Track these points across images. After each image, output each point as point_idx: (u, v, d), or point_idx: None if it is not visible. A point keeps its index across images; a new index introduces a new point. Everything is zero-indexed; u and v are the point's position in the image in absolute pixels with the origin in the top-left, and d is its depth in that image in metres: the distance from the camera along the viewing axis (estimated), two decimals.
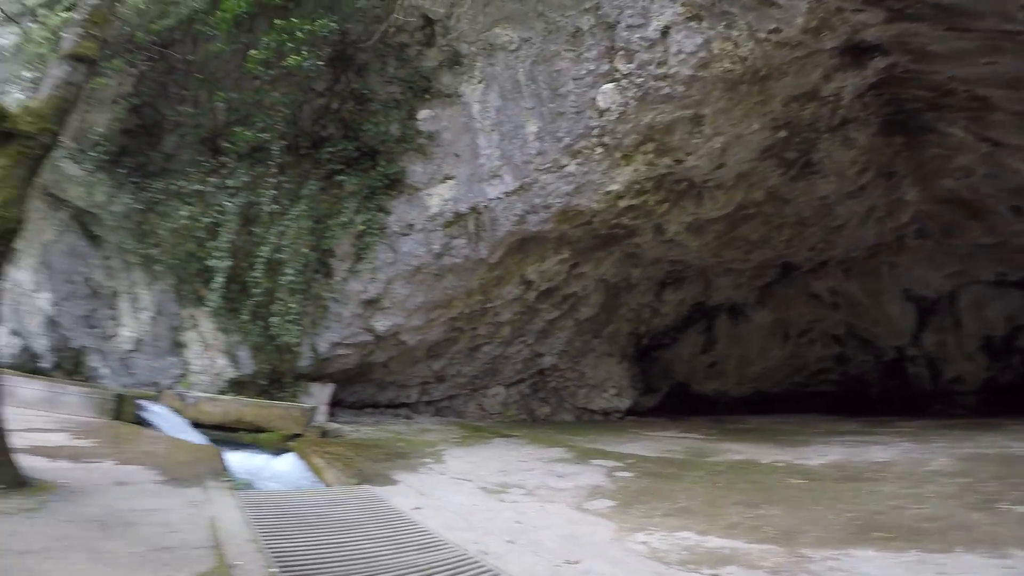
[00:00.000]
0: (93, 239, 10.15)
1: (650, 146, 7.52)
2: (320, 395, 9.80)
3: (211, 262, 8.64)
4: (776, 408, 14.09)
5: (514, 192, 8.20)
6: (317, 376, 9.74)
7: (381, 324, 9.26)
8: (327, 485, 6.11)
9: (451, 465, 7.13)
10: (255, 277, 8.57)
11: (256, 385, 9.40)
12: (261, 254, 8.59)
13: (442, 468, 6.98)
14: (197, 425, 7.92)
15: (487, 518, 4.75)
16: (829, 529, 4.23)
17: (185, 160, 9.07)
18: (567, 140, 7.56)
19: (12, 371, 9.42)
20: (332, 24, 7.68)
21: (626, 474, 6.64)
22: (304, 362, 9.38)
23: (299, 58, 7.45)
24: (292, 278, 8.55)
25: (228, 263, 8.53)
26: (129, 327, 10.43)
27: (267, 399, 8.87)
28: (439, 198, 8.63)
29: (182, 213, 8.86)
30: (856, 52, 7.03)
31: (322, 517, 4.28)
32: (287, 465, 6.96)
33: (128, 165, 9.04)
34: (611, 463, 7.22)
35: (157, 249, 9.29)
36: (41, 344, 10.97)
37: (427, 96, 8.58)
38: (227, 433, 8.02)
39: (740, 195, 9.13)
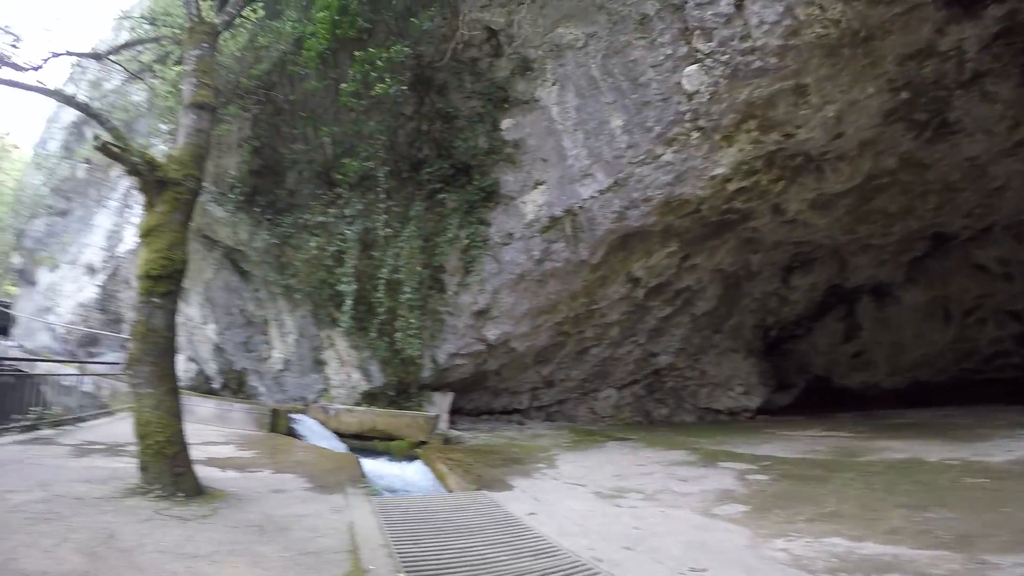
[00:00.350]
0: (243, 274, 11.67)
1: (752, 123, 6.94)
2: (442, 403, 10.34)
3: (340, 287, 9.47)
4: (939, 400, 12.13)
5: (608, 189, 8.01)
6: (438, 386, 10.28)
7: (492, 333, 9.54)
8: (449, 490, 6.41)
9: (564, 470, 7.12)
10: (378, 297, 9.25)
11: (386, 396, 10.17)
12: (381, 276, 9.24)
13: (555, 473, 6.99)
14: (338, 434, 8.76)
15: (603, 524, 4.67)
16: (1021, 533, 3.60)
17: (306, 194, 10.09)
18: (658, 129, 7.24)
19: (191, 392, 11.18)
20: (406, 49, 8.09)
21: (761, 477, 6.15)
22: (426, 373, 9.96)
23: (384, 85, 7.93)
24: (410, 295, 9.11)
25: (354, 287, 9.28)
26: (278, 349, 11.83)
27: (396, 409, 9.55)
28: (533, 204, 8.71)
29: (311, 244, 9.85)
30: (965, 2, 5.98)
31: (446, 522, 4.50)
32: (415, 471, 7.42)
33: (260, 204, 10.26)
34: (742, 466, 6.74)
35: (294, 279, 10.41)
36: (211, 368, 12.83)
37: (506, 105, 8.72)
38: (363, 441, 8.78)
39: (868, 165, 8.09)
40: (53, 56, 5.96)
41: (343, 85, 8.26)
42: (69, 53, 6.24)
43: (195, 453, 6.54)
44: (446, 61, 8.32)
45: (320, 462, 6.65)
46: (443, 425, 9.64)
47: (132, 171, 5.18)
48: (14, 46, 5.76)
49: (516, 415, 12.55)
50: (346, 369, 10.42)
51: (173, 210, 5.34)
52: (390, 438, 8.66)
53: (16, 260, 16.52)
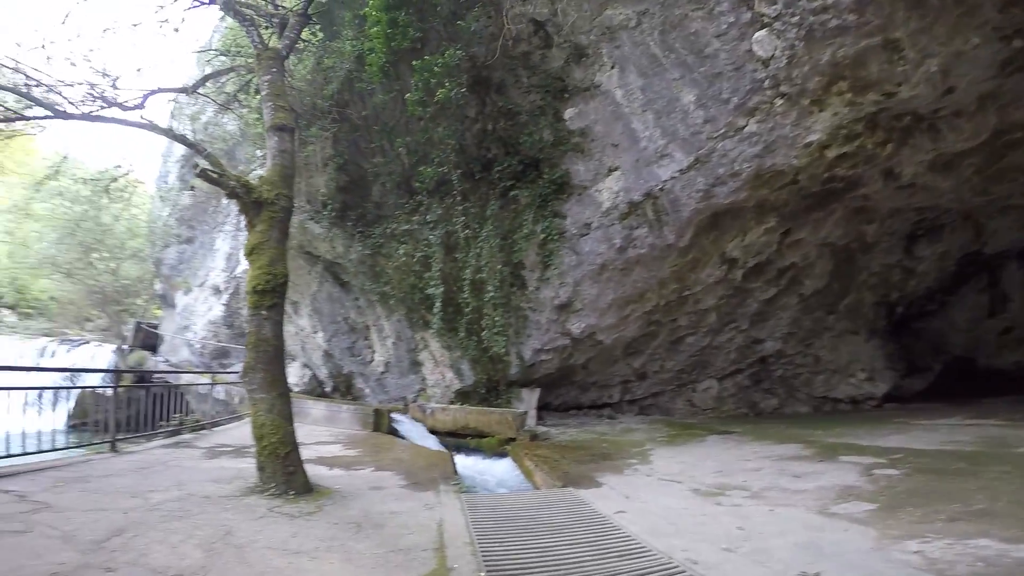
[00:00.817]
0: (343, 285, 12.50)
1: (843, 85, 6.20)
2: (529, 400, 10.38)
3: (429, 290, 9.83)
4: None
5: (690, 168, 7.55)
6: (525, 382, 10.33)
7: (576, 326, 9.41)
8: (536, 487, 6.39)
9: (659, 466, 6.83)
10: (464, 298, 9.48)
11: (477, 394, 10.40)
12: (465, 277, 9.46)
13: (648, 469, 6.72)
14: (434, 432, 9.10)
15: (699, 523, 4.39)
16: None
17: (391, 204, 10.56)
18: (735, 100, 6.71)
19: (306, 396, 12.19)
20: (459, 52, 8.16)
21: (890, 472, 5.48)
22: (513, 370, 10.05)
23: (445, 90, 8.08)
24: (493, 294, 9.24)
25: (441, 289, 9.59)
26: (379, 353, 12.55)
27: (486, 406, 9.74)
28: (608, 192, 8.44)
29: (399, 252, 10.32)
30: None
31: (531, 520, 4.48)
32: (503, 468, 7.51)
33: (352, 218, 10.90)
34: (867, 459, 6.06)
35: (388, 286, 10.96)
36: (323, 373, 13.89)
37: (566, 95, 8.52)
38: (456, 439, 9.05)
39: (992, 120, 6.93)
40: (149, 94, 6.73)
41: (408, 95, 8.55)
42: (161, 90, 6.99)
43: (307, 452, 7.13)
44: (497, 59, 8.30)
45: (416, 460, 6.93)
46: (531, 421, 9.67)
47: (231, 194, 5.70)
48: (115, 87, 6.56)
49: (606, 409, 12.29)
50: (440, 369, 10.80)
51: (270, 228, 5.81)
52: (481, 435, 8.84)
53: (158, 286, 18.97)
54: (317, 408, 9.87)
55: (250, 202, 5.75)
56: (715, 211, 8.05)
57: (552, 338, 9.63)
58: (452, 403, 10.27)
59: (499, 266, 9.20)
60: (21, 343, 18.47)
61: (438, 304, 9.58)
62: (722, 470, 6.38)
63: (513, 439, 8.51)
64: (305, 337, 13.96)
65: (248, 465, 5.76)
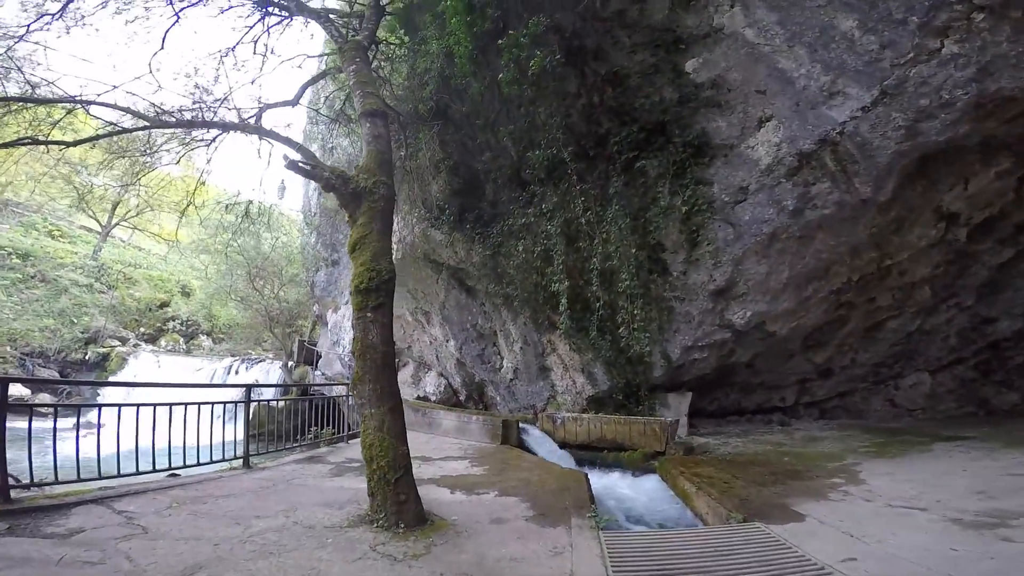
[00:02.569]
0: (469, 291, 12.04)
1: None
2: (678, 406, 8.83)
3: (553, 287, 8.86)
4: None
5: (877, 103, 5.73)
6: (672, 386, 8.81)
7: (739, 316, 7.72)
8: (700, 518, 4.98)
9: (878, 486, 5.07)
10: (593, 291, 8.34)
11: (613, 401, 9.12)
12: (592, 267, 8.32)
13: (865, 491, 4.99)
14: (565, 445, 8.03)
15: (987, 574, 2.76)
16: None
17: (505, 201, 9.77)
18: (914, 20, 5.19)
19: (439, 405, 11.89)
20: (543, 19, 7.09)
21: None
22: (657, 372, 8.61)
23: (538, 59, 7.09)
24: (628, 283, 7.96)
25: (566, 284, 8.53)
26: (507, 359, 11.85)
27: (624, 415, 8.42)
28: (767, 146, 6.74)
29: (519, 249, 9.48)
30: None
31: (702, 574, 3.19)
32: (652, 489, 6.17)
33: (469, 220, 10.32)
34: None
35: (511, 287, 10.22)
36: (456, 381, 13.59)
37: (682, 46, 7.08)
38: (591, 452, 7.88)
39: None
40: (263, 109, 6.67)
41: (501, 76, 7.72)
42: (270, 105, 6.94)
43: (432, 470, 6.53)
44: (588, 23, 7.15)
45: (546, 481, 5.90)
46: (682, 431, 8.15)
47: (327, 186, 5.24)
48: (235, 108, 6.59)
49: (776, 414, 10.20)
50: (570, 374, 9.71)
51: (371, 220, 5.24)
52: (620, 448, 7.59)
53: (315, 308, 20.55)
54: (448, 419, 9.37)
55: (348, 193, 5.24)
56: (924, 153, 6.05)
57: (707, 332, 8.05)
58: (584, 412, 9.11)
59: (632, 250, 7.89)
60: (214, 364, 21.14)
61: (564, 301, 8.53)
62: (984, 490, 4.63)
63: (661, 453, 7.14)
64: (438, 346, 13.81)
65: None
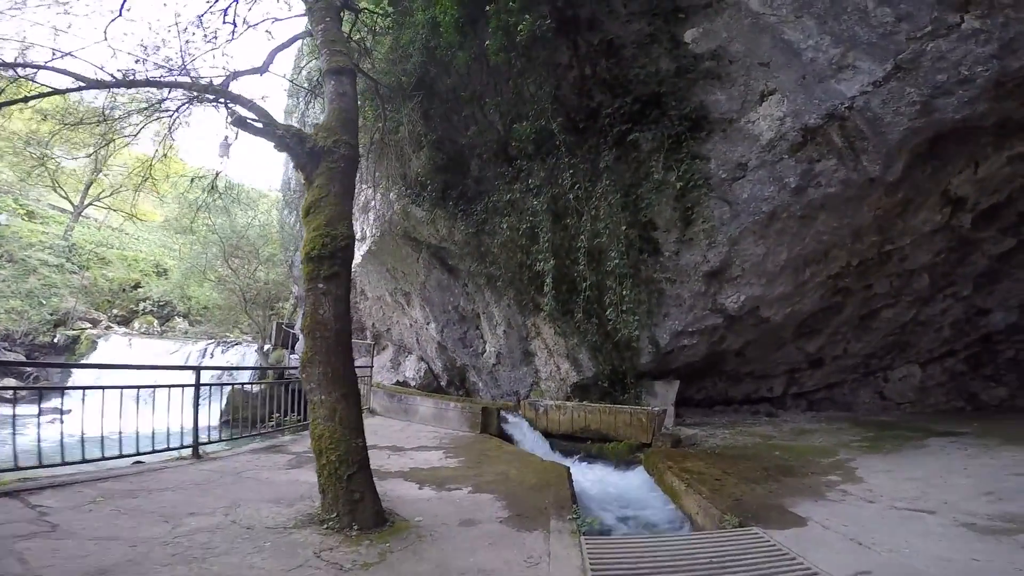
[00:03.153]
0: (451, 270, 11.44)
1: None
2: (665, 395, 8.37)
3: (538, 266, 8.28)
4: None
5: (890, 77, 5.27)
6: (660, 373, 8.33)
7: (732, 300, 7.24)
8: (691, 519, 4.50)
9: (878, 484, 4.68)
10: (580, 271, 7.78)
11: (599, 388, 8.62)
12: (580, 246, 7.74)
13: (864, 491, 4.59)
14: (547, 434, 7.53)
15: None
16: None
17: (490, 177, 9.16)
18: None
19: (416, 391, 11.33)
20: None
21: None
22: (644, 359, 8.11)
23: (527, 23, 6.52)
24: (616, 262, 7.40)
25: (552, 263, 7.94)
26: (490, 343, 11.30)
27: (610, 403, 7.92)
28: (769, 120, 6.22)
29: (503, 227, 8.89)
30: None
31: None
32: (638, 484, 5.69)
33: (452, 196, 9.70)
34: None
35: (494, 266, 9.65)
36: (437, 366, 13.03)
37: (680, 15, 6.56)
38: (574, 443, 7.39)
39: None
40: (230, 77, 5.96)
41: (488, 44, 7.09)
42: (238, 73, 6.23)
43: (403, 461, 5.98)
44: None
45: (524, 475, 5.37)
46: (669, 421, 7.69)
47: (281, 145, 4.60)
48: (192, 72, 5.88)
49: (763, 405, 9.81)
50: (554, 360, 9.19)
51: (329, 182, 4.61)
52: (604, 439, 7.10)
53: (295, 289, 19.79)
54: (425, 405, 8.82)
55: (304, 153, 4.61)
56: (937, 132, 5.56)
57: (698, 316, 7.56)
58: (568, 399, 8.61)
59: (622, 228, 7.32)
60: (188, 347, 20.34)
61: (549, 281, 7.97)
62: (992, 491, 4.26)
63: (647, 444, 6.67)
64: (419, 329, 13.22)
65: None
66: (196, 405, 5.91)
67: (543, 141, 8.05)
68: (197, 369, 6.08)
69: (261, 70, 7.45)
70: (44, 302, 22.20)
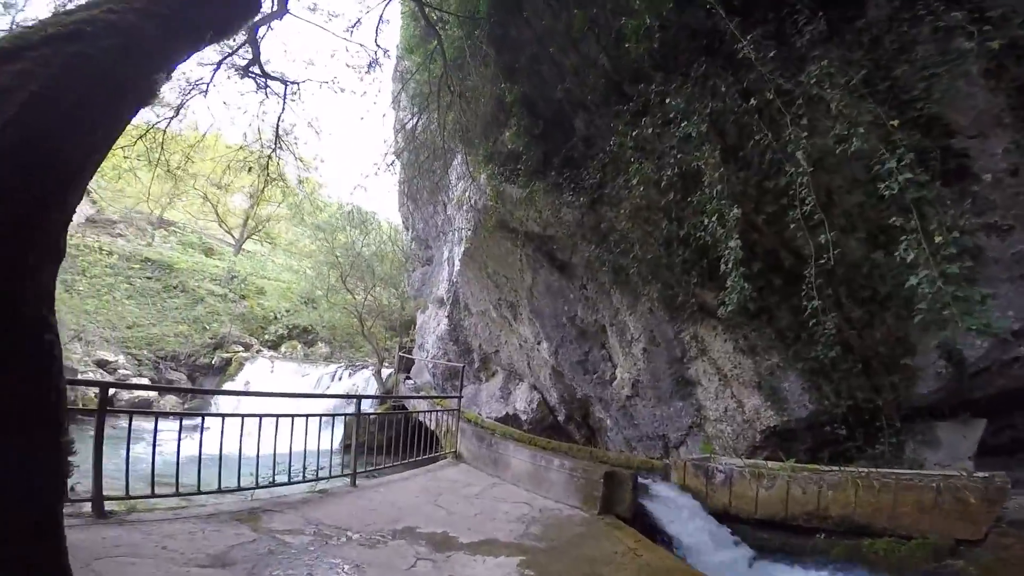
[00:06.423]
0: (562, 268, 8.25)
1: None
2: (956, 444, 4.33)
3: (701, 235, 4.71)
4: None
5: None
6: (950, 408, 4.12)
7: None
8: None
9: None
10: (793, 231, 4.08)
11: (816, 435, 4.65)
12: (794, 178, 4.00)
13: None
14: (729, 518, 3.79)
15: None
16: None
17: (602, 125, 5.97)
18: None
19: (511, 435, 8.02)
20: None
21: None
22: (927, 384, 4.04)
23: None
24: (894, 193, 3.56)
25: (735, 215, 4.26)
26: (622, 366, 7.77)
27: (842, 466, 3.90)
28: None
29: (633, 183, 5.54)
30: None
31: None
32: None
33: (554, 164, 6.67)
34: None
35: (619, 249, 6.31)
36: (553, 397, 9.71)
37: None
38: (793, 537, 3.56)
39: None
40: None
41: None
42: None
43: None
44: None
45: None
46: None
47: None
48: None
49: None
50: (732, 390, 5.39)
51: None
52: (862, 532, 3.18)
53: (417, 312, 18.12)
54: (519, 457, 5.56)
55: None
56: None
57: None
58: (758, 449, 4.74)
59: (897, 150, 3.49)
60: (320, 369, 19.70)
61: (732, 255, 4.29)
62: None
63: (972, 541, 2.64)
64: (529, 350, 10.09)
65: None
66: (356, 433, 5.14)
67: (677, 44, 4.68)
68: (358, 398, 5.34)
69: (279, 14, 5.21)
70: (207, 327, 23.41)
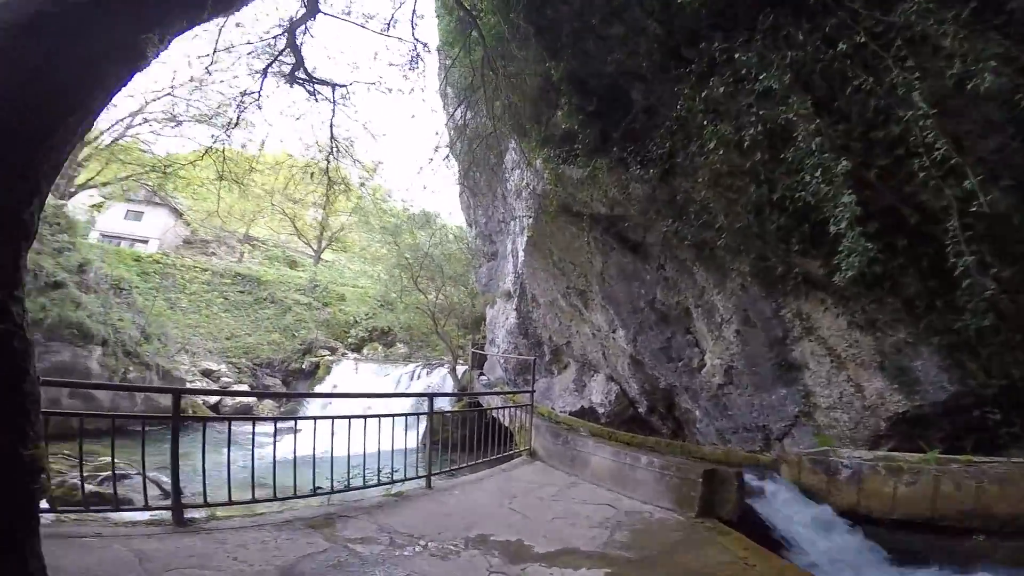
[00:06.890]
0: (635, 248, 7.67)
1: None
2: None
3: (801, 195, 4.00)
4: None
5: None
6: None
7: None
8: None
9: None
10: (923, 179, 3.34)
11: (955, 421, 3.82)
12: (911, 120, 3.29)
13: None
14: (857, 518, 3.15)
15: None
16: None
17: (665, 91, 5.35)
18: None
19: (588, 430, 7.49)
20: None
21: None
22: None
23: None
24: None
25: (845, 166, 3.57)
26: (712, 352, 7.07)
27: (992, 455, 3.13)
28: None
29: (710, 147, 4.92)
30: None
31: None
32: None
33: (615, 140, 6.12)
34: None
35: (702, 221, 5.69)
36: (633, 388, 9.13)
37: None
38: (937, 538, 2.87)
39: None
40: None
41: None
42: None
43: None
44: None
45: None
46: None
47: None
48: None
49: None
50: (848, 373, 4.62)
51: None
52: None
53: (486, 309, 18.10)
54: (599, 455, 5.13)
55: None
56: None
57: None
58: (884, 443, 3.98)
59: None
60: (399, 369, 20.30)
61: (847, 216, 3.55)
62: None
63: None
64: (603, 338, 9.57)
65: None
66: (429, 435, 5.10)
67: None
68: (431, 396, 5.33)
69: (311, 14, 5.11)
70: (296, 334, 24.79)
